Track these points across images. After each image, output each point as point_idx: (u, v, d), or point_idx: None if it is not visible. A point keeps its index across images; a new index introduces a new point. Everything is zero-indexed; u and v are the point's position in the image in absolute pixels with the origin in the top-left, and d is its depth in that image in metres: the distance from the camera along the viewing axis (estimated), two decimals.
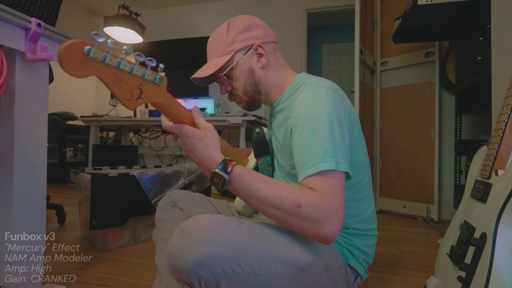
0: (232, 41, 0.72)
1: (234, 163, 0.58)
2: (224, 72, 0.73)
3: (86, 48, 0.42)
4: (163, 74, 0.54)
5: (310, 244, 0.61)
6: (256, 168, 0.81)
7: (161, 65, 0.53)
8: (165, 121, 0.62)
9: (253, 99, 0.77)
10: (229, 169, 0.56)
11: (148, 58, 0.50)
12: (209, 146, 0.60)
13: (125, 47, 0.47)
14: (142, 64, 0.50)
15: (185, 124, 0.61)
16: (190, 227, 0.53)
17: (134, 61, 0.49)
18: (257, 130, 0.80)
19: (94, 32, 0.42)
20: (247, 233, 0.56)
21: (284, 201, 0.53)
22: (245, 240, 0.55)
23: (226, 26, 0.74)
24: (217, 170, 0.56)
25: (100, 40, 0.42)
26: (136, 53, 0.48)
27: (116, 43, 0.45)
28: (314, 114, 0.60)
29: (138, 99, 0.51)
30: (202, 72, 0.73)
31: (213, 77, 0.80)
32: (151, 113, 2.89)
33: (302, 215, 0.52)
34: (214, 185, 0.57)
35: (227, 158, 0.59)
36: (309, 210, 0.52)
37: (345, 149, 0.59)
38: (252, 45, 0.73)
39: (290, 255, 0.57)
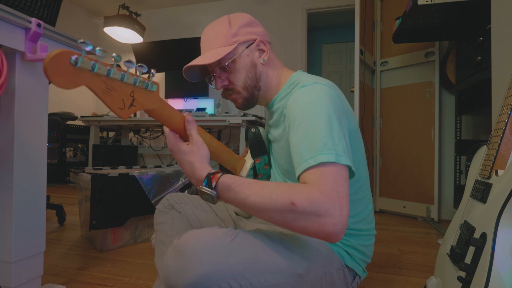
0: (236, 33, 0.70)
1: (219, 175, 0.56)
2: (226, 63, 0.70)
3: (73, 57, 0.40)
4: (156, 79, 0.52)
5: (307, 249, 0.60)
6: (254, 168, 0.80)
7: (152, 71, 0.52)
8: (165, 127, 0.63)
9: (252, 95, 0.74)
10: (213, 184, 0.55)
11: (139, 64, 0.48)
12: (192, 163, 0.59)
13: (114, 55, 0.45)
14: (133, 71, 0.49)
15: (176, 136, 0.62)
16: (183, 246, 0.51)
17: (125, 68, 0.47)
18: (253, 130, 0.79)
19: (81, 40, 0.40)
20: (243, 247, 0.54)
21: (275, 202, 0.49)
22: (241, 254, 0.53)
23: (227, 20, 0.72)
24: (202, 189, 0.56)
25: (88, 48, 0.40)
26: (126, 60, 0.46)
27: (104, 50, 0.42)
28: (311, 108, 0.59)
29: (130, 107, 0.49)
30: (201, 60, 0.69)
31: (205, 72, 0.77)
32: None
33: (298, 212, 0.48)
34: (206, 201, 0.57)
35: (212, 171, 0.57)
36: (305, 205, 0.47)
37: (346, 143, 0.57)
38: (255, 40, 0.72)
39: (288, 264, 0.56)
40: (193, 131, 0.62)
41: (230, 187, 0.54)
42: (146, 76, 0.50)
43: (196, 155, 0.60)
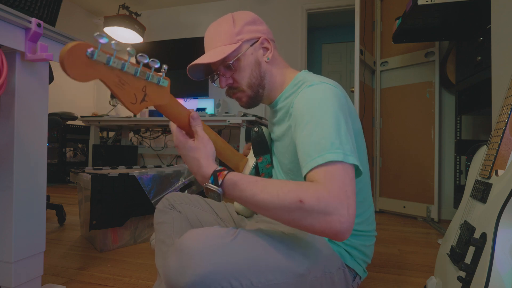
0: (240, 31, 0.70)
1: (225, 172, 0.56)
2: (231, 62, 0.70)
3: (90, 50, 0.40)
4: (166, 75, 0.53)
5: (308, 249, 0.60)
6: (256, 167, 0.80)
7: (164, 66, 0.52)
8: (172, 123, 0.63)
9: (257, 94, 0.74)
10: (219, 181, 0.55)
11: (152, 59, 0.48)
12: (198, 160, 0.59)
13: (128, 48, 0.45)
14: (146, 65, 0.48)
15: (182, 133, 0.62)
16: (184, 245, 0.51)
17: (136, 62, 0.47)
18: (256, 129, 0.80)
19: (97, 33, 0.40)
20: (244, 246, 0.54)
21: (283, 199, 0.49)
22: (242, 253, 0.53)
23: (231, 18, 0.72)
24: (208, 186, 0.55)
25: (103, 41, 0.40)
26: (139, 54, 0.46)
27: (119, 44, 0.43)
28: (318, 107, 0.58)
29: (142, 102, 0.49)
30: (206, 59, 0.68)
31: (209, 70, 0.78)
32: (151, 113, 2.89)
33: (306, 209, 0.47)
34: (212, 198, 0.57)
35: (218, 168, 0.57)
36: (313, 202, 0.47)
37: (352, 143, 0.57)
38: (259, 38, 0.72)
39: (289, 264, 0.56)
40: (198, 127, 0.62)
41: (236, 184, 0.54)
42: (158, 71, 0.51)
43: (202, 152, 0.59)
